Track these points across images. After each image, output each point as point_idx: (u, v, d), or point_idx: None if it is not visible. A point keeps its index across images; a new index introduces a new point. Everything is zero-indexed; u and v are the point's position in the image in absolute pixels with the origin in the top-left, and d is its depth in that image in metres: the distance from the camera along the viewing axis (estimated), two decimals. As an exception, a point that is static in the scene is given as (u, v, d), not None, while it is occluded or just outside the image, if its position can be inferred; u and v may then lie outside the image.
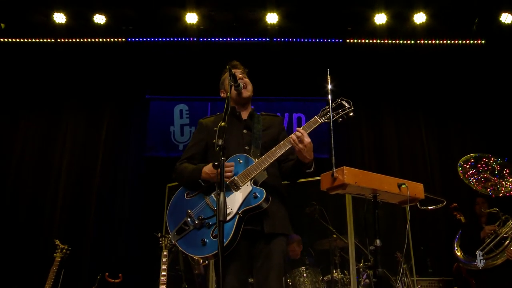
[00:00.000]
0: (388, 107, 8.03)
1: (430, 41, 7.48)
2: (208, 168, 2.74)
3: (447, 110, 7.87)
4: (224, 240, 2.54)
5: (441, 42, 7.49)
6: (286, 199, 2.94)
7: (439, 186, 7.41)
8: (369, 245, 2.47)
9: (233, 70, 2.94)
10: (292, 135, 2.68)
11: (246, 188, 2.68)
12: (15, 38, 7.55)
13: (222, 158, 2.29)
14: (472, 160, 5.90)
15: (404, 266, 5.69)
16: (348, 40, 7.52)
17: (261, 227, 2.71)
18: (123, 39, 7.49)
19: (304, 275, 5.59)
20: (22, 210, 7.28)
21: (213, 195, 2.72)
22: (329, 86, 2.41)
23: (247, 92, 3.02)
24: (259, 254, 2.73)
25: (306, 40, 7.58)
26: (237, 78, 2.90)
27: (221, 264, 2.13)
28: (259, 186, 2.69)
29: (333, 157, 2.29)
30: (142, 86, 8.04)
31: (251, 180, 2.69)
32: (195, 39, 7.51)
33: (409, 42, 7.46)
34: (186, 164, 2.94)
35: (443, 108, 7.88)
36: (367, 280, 5.72)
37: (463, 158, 5.94)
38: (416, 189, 2.45)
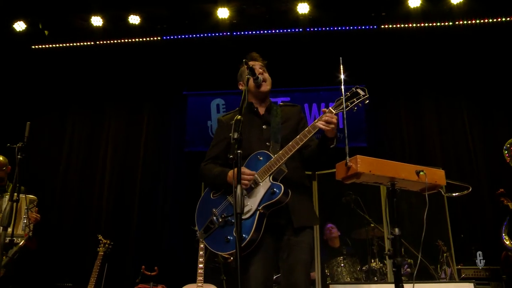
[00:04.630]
0: (428, 95, 7.70)
1: (469, 21, 7.11)
2: (232, 172, 2.76)
3: (491, 95, 7.42)
4: (246, 237, 2.59)
5: (482, 21, 7.11)
6: (310, 190, 2.92)
7: (484, 173, 7.10)
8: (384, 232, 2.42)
9: (251, 63, 2.92)
10: (319, 124, 2.67)
11: (265, 184, 2.70)
12: (58, 43, 7.87)
13: (239, 152, 2.31)
14: (520, 142, 5.63)
15: (446, 254, 5.55)
16: (382, 26, 7.30)
17: (286, 221, 2.72)
18: (158, 38, 7.68)
19: (342, 265, 5.58)
20: (71, 207, 7.63)
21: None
22: (342, 76, 2.38)
23: (266, 86, 3.00)
24: (285, 246, 2.73)
25: (339, 28, 7.45)
26: (256, 71, 2.88)
27: (239, 257, 2.15)
28: (279, 182, 2.69)
29: (347, 146, 2.27)
30: (179, 83, 8.19)
31: (270, 176, 2.70)
32: (228, 33, 7.58)
33: (446, 24, 7.13)
34: (211, 165, 2.95)
35: (487, 94, 7.43)
36: (408, 269, 5.63)
37: (509, 141, 5.66)
38: (435, 175, 2.38)
